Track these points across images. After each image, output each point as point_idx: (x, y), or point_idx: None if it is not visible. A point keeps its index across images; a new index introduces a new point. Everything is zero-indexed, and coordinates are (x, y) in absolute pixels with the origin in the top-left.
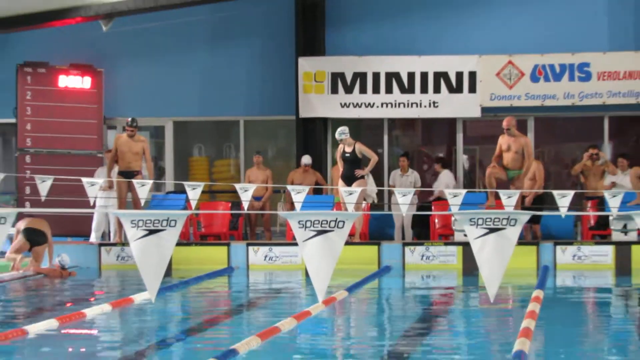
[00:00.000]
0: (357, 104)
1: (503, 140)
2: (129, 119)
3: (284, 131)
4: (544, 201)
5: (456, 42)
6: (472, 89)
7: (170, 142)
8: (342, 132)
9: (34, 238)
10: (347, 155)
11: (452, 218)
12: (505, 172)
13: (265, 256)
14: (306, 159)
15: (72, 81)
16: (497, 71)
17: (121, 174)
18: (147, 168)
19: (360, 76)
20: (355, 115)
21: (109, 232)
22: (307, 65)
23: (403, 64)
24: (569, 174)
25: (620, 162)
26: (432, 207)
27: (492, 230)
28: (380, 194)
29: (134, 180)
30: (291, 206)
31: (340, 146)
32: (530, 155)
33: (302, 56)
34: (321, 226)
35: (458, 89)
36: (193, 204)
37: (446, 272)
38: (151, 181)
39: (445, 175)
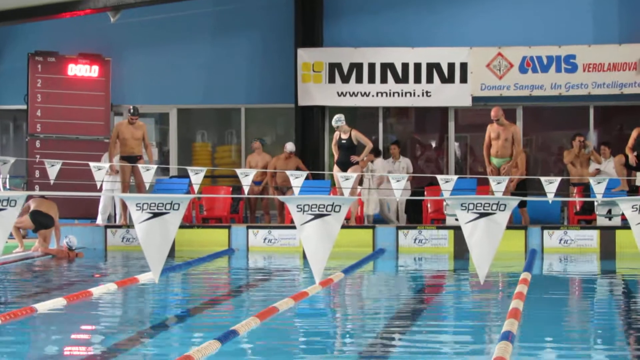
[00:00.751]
0: (354, 93)
1: (492, 129)
2: (131, 108)
3: (283, 119)
4: (526, 187)
5: (448, 35)
6: (464, 79)
7: (174, 129)
8: (338, 119)
9: (40, 221)
10: (343, 142)
11: (444, 203)
12: (497, 170)
13: (265, 239)
14: (290, 146)
15: (81, 70)
16: (487, 62)
17: (124, 159)
18: (147, 153)
19: (357, 66)
20: (352, 103)
21: (115, 214)
22: (305, 56)
23: (397, 55)
24: (556, 161)
25: (603, 150)
26: (425, 193)
27: (482, 215)
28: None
29: (139, 165)
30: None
31: (337, 133)
32: (519, 143)
33: (301, 47)
34: (318, 210)
35: (450, 79)
36: (196, 188)
37: (438, 255)
38: (155, 166)
39: (379, 163)
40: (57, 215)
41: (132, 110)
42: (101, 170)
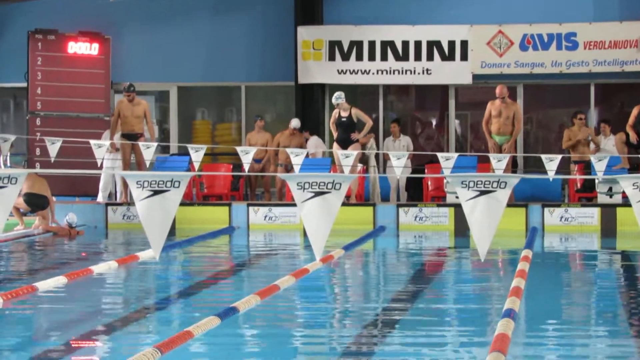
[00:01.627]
0: (354, 70)
1: (493, 107)
2: (126, 84)
3: (284, 96)
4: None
5: (448, 12)
6: (464, 57)
7: (174, 107)
8: (338, 96)
9: (35, 202)
10: (343, 119)
11: (445, 181)
12: (499, 147)
13: (265, 216)
14: (295, 122)
15: (81, 47)
16: (487, 40)
17: (125, 136)
18: (149, 130)
19: (357, 44)
20: (352, 81)
21: (116, 192)
22: (305, 33)
23: (398, 33)
24: (557, 139)
25: (603, 128)
26: (426, 170)
27: (482, 193)
28: (375, 157)
29: (140, 143)
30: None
31: (336, 111)
32: (520, 121)
33: (301, 25)
34: (319, 188)
35: (450, 57)
36: (196, 165)
37: (438, 232)
38: (156, 144)
39: (313, 141)
40: (49, 191)
41: (126, 87)
42: (102, 147)
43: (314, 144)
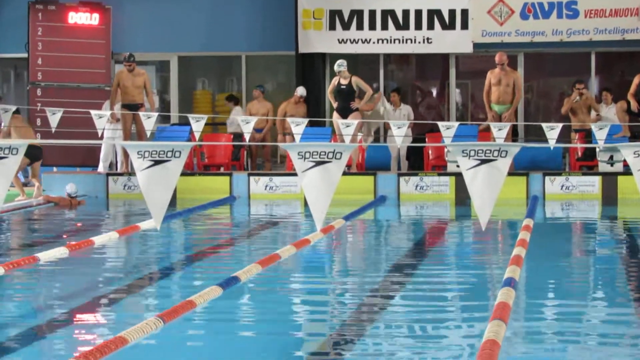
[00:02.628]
0: (354, 40)
1: (493, 75)
2: (126, 54)
3: (284, 66)
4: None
5: None
6: (465, 25)
7: (175, 76)
8: (340, 64)
9: (32, 153)
10: (343, 87)
11: (445, 150)
12: (499, 116)
13: (266, 186)
14: (301, 91)
15: (81, 18)
16: (488, 9)
17: (125, 106)
18: (149, 100)
19: (357, 13)
20: (352, 50)
21: (116, 162)
22: (306, 3)
23: (398, 2)
24: (557, 107)
25: (605, 96)
26: (426, 139)
27: (483, 162)
28: (376, 125)
29: (140, 113)
30: (285, 137)
31: (335, 80)
32: (520, 89)
33: None
34: (320, 157)
35: (451, 26)
36: (197, 135)
37: (439, 201)
38: (156, 114)
39: (236, 111)
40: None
41: (127, 57)
42: (102, 118)
43: (237, 114)
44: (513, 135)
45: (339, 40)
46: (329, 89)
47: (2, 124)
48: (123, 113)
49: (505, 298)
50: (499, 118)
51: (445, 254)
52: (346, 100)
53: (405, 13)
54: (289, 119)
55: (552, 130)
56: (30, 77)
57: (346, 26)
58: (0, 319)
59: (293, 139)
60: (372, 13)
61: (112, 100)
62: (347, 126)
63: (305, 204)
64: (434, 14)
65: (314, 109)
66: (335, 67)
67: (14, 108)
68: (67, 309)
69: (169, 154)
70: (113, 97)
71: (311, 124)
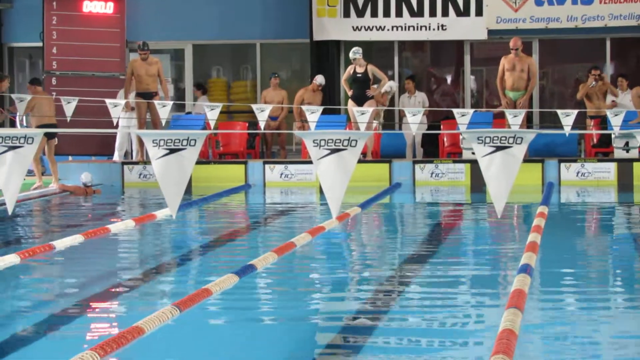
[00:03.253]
0: (369, 27)
1: (507, 61)
2: (140, 43)
3: (299, 54)
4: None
5: None
6: (479, 12)
7: (189, 65)
8: (356, 51)
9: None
10: (359, 75)
11: (461, 137)
12: (514, 103)
13: (281, 174)
14: (320, 79)
15: (96, 6)
16: None
17: (139, 95)
18: (163, 89)
19: (372, 0)
20: (367, 38)
21: (132, 151)
22: None
23: None
24: (573, 93)
25: (620, 82)
26: (442, 127)
27: (499, 148)
28: (391, 113)
29: (155, 102)
30: (303, 125)
31: (350, 68)
32: (535, 75)
33: None
34: (335, 145)
35: (465, 12)
36: (212, 123)
37: (454, 188)
38: (171, 102)
39: (202, 100)
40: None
41: (141, 45)
42: (117, 106)
43: (203, 101)
44: (528, 122)
45: (353, 27)
46: (344, 77)
47: (18, 114)
48: (137, 102)
49: (521, 285)
50: (513, 104)
51: (461, 241)
52: (362, 88)
53: (420, 0)
54: (304, 107)
55: (568, 117)
56: (45, 66)
57: (360, 13)
58: (15, 307)
59: (309, 127)
60: (387, 0)
61: (126, 89)
62: (362, 114)
63: (321, 191)
64: (449, 0)
65: (329, 97)
66: (351, 55)
67: (29, 97)
68: (82, 298)
69: (184, 143)
70: (127, 86)
71: (326, 112)
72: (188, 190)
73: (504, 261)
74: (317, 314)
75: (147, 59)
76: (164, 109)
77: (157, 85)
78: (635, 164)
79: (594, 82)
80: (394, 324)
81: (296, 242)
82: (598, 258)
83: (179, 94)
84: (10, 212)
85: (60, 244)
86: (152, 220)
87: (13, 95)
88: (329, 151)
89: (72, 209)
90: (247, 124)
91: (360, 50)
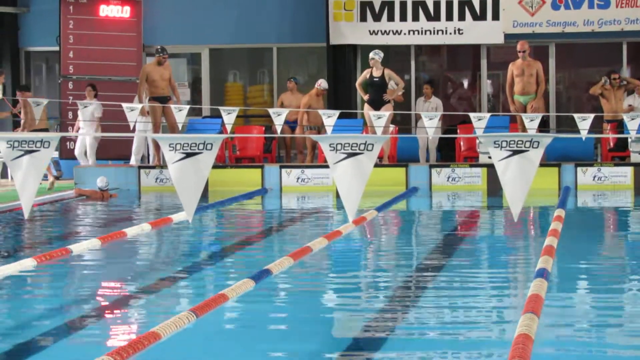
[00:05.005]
0: (385, 31)
1: (515, 66)
2: (159, 47)
3: (315, 58)
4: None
5: None
6: (496, 16)
7: (206, 69)
8: (377, 52)
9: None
10: (376, 79)
11: (477, 141)
12: (523, 107)
13: (298, 178)
14: (324, 84)
15: (112, 10)
16: None
17: (154, 99)
18: (174, 94)
19: (388, 5)
20: (383, 42)
21: (148, 155)
22: None
23: None
24: (589, 97)
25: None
26: (458, 131)
27: (515, 152)
28: (407, 117)
29: (172, 106)
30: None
31: (367, 72)
32: (543, 80)
33: None
34: (351, 149)
35: (482, 17)
36: (228, 127)
37: (471, 192)
38: (188, 106)
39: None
40: None
41: (160, 50)
42: (134, 111)
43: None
44: (544, 126)
45: (370, 31)
46: (358, 81)
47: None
48: (152, 106)
49: (538, 290)
50: (523, 109)
51: (477, 245)
52: (378, 92)
53: (436, 4)
54: (321, 112)
55: (584, 121)
56: (62, 70)
57: (377, 17)
58: (32, 312)
59: (318, 132)
60: (403, 4)
61: (140, 94)
62: (379, 118)
63: (337, 195)
64: (465, 4)
65: (345, 101)
66: (371, 54)
67: (45, 101)
68: (99, 303)
69: (201, 147)
70: (140, 92)
71: (342, 116)
72: (204, 194)
73: (520, 265)
74: (333, 319)
75: (164, 64)
76: (180, 113)
77: (169, 89)
78: None
79: (606, 80)
80: (410, 329)
81: (312, 246)
82: (615, 262)
83: (196, 99)
84: (26, 216)
85: (77, 248)
86: (168, 224)
87: (30, 100)
88: (345, 155)
89: (88, 213)
90: (263, 128)
91: (381, 53)
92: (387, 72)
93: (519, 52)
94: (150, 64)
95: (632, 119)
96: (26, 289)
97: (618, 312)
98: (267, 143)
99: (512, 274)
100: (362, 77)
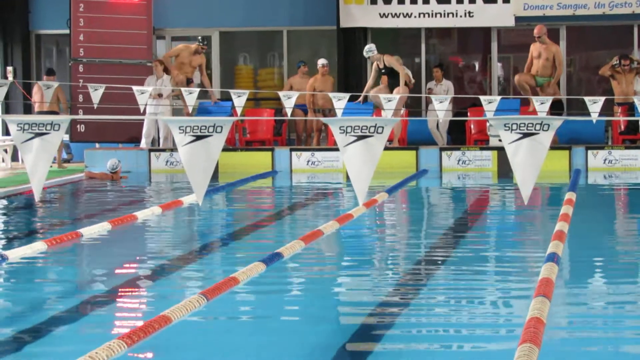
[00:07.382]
0: (396, 14)
1: (534, 48)
2: (200, 38)
3: (325, 41)
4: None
5: None
6: None
7: (216, 52)
8: (368, 49)
9: None
10: (383, 70)
11: (488, 124)
12: (534, 79)
13: (308, 161)
14: (322, 60)
15: None
16: None
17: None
18: (204, 82)
19: None
20: (394, 25)
21: (159, 138)
22: None
23: None
24: (600, 80)
25: None
26: (468, 114)
27: (525, 135)
28: (418, 100)
29: (182, 89)
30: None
31: (375, 65)
32: (561, 64)
33: None
34: (361, 132)
35: None
36: (238, 110)
37: (481, 175)
38: (198, 89)
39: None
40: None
41: (201, 40)
42: (144, 94)
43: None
44: (555, 108)
45: (380, 14)
46: (371, 76)
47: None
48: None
49: (549, 274)
50: (535, 89)
51: (488, 228)
52: (392, 78)
53: None
54: (331, 94)
55: (595, 104)
56: (72, 54)
57: (388, 0)
58: (42, 296)
59: (324, 115)
60: None
61: (174, 74)
62: (389, 101)
63: (348, 178)
64: None
65: (356, 84)
66: (365, 54)
67: (56, 84)
68: (109, 286)
69: (211, 129)
70: (174, 71)
71: (352, 99)
72: (215, 177)
73: (531, 249)
74: (345, 301)
75: (202, 53)
76: (190, 96)
77: (193, 75)
78: None
79: (616, 62)
80: (421, 312)
81: (323, 229)
82: (626, 246)
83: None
84: (37, 199)
85: (88, 231)
86: (179, 206)
87: (40, 83)
88: (355, 138)
89: (99, 196)
90: (274, 111)
91: (372, 47)
92: (387, 60)
93: (536, 36)
94: (189, 47)
95: None
96: (36, 272)
97: (630, 296)
98: (277, 126)
99: (523, 258)
100: (373, 70)
